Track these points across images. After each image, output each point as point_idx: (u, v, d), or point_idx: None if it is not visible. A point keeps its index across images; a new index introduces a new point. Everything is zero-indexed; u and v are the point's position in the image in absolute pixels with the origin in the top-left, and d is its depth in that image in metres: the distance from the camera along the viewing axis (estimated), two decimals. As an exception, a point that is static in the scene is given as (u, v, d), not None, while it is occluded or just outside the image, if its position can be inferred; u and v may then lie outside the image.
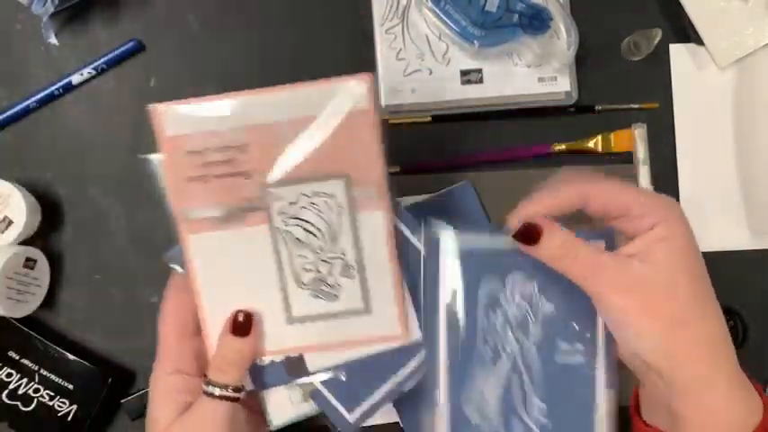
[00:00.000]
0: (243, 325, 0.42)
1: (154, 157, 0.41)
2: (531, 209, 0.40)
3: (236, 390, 0.42)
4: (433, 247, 0.42)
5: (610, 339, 0.41)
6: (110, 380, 0.55)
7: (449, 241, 0.42)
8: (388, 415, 0.57)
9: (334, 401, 0.43)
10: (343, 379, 0.43)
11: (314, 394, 0.43)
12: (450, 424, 0.42)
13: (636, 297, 0.37)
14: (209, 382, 0.41)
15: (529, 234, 0.39)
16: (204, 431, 0.41)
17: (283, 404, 0.44)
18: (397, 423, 0.56)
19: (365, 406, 0.43)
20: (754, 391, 0.39)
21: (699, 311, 0.37)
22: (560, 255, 0.39)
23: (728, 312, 0.59)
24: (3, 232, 0.54)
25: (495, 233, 0.41)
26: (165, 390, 0.43)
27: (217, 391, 0.41)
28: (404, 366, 0.43)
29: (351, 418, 0.43)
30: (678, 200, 0.59)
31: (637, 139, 0.58)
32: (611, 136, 0.59)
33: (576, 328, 0.41)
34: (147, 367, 0.58)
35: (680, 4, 0.59)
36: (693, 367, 0.37)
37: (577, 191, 0.40)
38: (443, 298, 0.42)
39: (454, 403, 0.42)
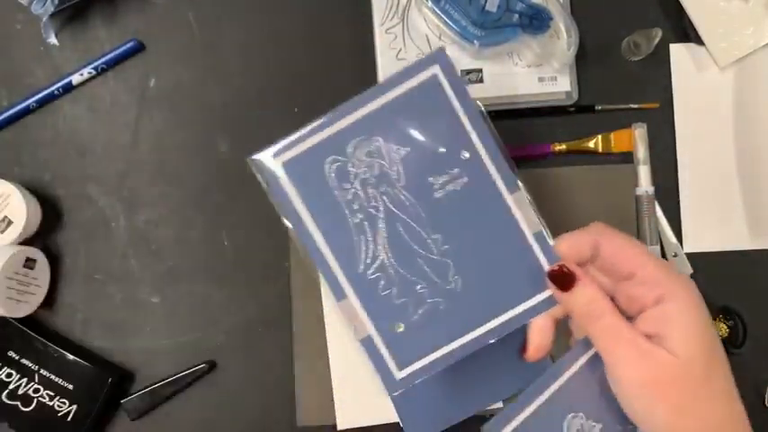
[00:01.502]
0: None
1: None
2: (560, 245, 0.39)
3: None
4: (271, 179, 0.41)
5: (490, 145, 0.40)
6: (109, 380, 0.55)
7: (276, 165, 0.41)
8: (388, 415, 0.57)
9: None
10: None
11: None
12: (363, 305, 0.41)
13: (647, 380, 0.36)
14: None
15: (564, 280, 0.38)
16: None
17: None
18: (397, 423, 0.56)
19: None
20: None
21: (709, 394, 0.37)
22: (586, 312, 0.38)
23: (728, 312, 0.59)
24: (3, 232, 0.54)
25: (316, 129, 0.41)
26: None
27: None
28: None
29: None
30: (678, 200, 0.59)
31: (637, 139, 0.58)
32: (611, 136, 0.59)
33: (445, 152, 0.40)
34: (146, 367, 0.58)
35: (680, 4, 0.59)
36: None
37: (591, 237, 0.39)
38: (304, 212, 0.41)
39: (356, 284, 0.41)
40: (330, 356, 0.57)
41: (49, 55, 0.59)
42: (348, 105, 0.41)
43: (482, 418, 0.57)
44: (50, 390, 0.55)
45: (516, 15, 0.56)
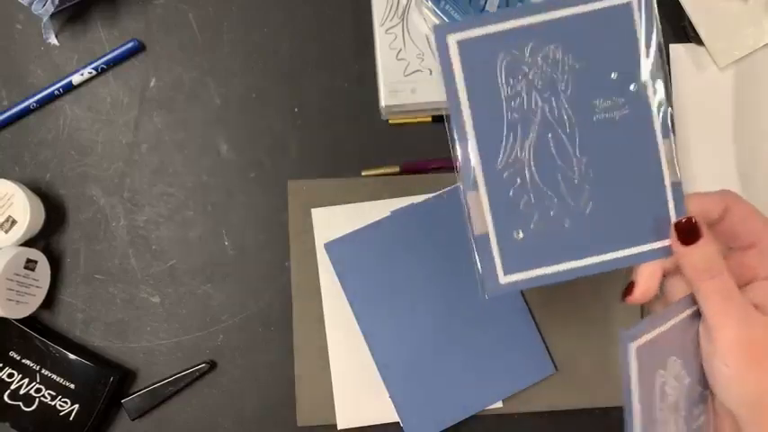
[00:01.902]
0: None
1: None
2: (691, 201, 0.40)
3: None
4: (443, 52, 0.40)
5: (659, 86, 0.40)
6: (111, 379, 0.56)
7: (454, 40, 0.40)
8: (388, 414, 0.57)
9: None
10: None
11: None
12: (490, 202, 0.40)
13: (749, 341, 0.36)
14: None
15: (689, 233, 0.38)
16: None
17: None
18: (397, 423, 0.57)
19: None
20: None
21: None
22: (702, 268, 0.38)
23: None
24: (7, 232, 0.55)
25: (502, 16, 0.40)
26: None
27: None
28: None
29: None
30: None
31: (636, 140, 0.58)
32: (611, 136, 0.59)
33: (615, 79, 0.40)
34: (147, 367, 0.58)
35: (680, 4, 0.59)
36: None
37: (723, 198, 0.39)
38: (463, 90, 0.40)
39: (489, 177, 0.40)
40: (330, 356, 0.57)
41: (49, 55, 0.60)
42: (539, 4, 0.40)
43: (482, 419, 0.57)
44: (52, 390, 0.55)
45: (516, 15, 0.55)
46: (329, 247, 0.58)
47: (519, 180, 0.40)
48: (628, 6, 0.40)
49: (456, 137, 0.40)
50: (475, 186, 0.40)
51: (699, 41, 0.59)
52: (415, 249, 0.58)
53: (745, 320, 0.37)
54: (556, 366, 0.57)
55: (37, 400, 0.55)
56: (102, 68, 0.59)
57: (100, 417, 0.56)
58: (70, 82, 0.59)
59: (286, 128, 0.60)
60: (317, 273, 0.58)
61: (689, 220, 0.39)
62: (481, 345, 0.57)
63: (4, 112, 0.58)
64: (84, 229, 0.59)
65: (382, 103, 0.58)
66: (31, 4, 0.56)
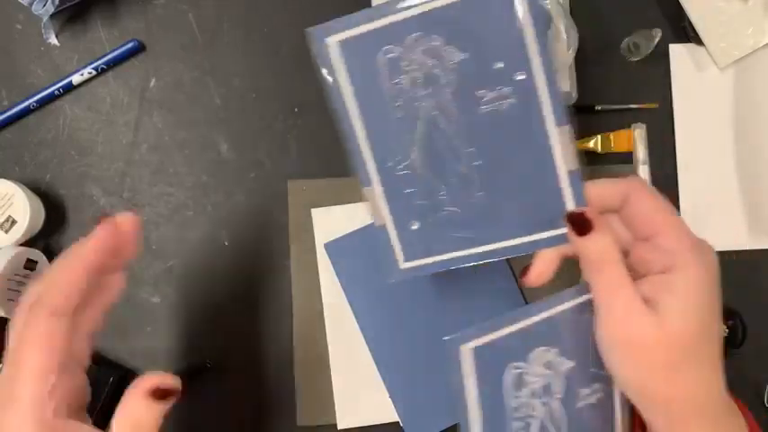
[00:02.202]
0: (165, 392, 0.38)
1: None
2: (590, 190, 0.39)
3: None
4: (324, 55, 0.40)
5: (549, 73, 0.38)
6: (111, 379, 0.55)
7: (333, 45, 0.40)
8: (388, 414, 0.57)
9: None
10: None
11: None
12: (386, 197, 0.41)
13: (629, 339, 0.37)
14: None
15: (582, 225, 0.38)
16: None
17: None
18: (398, 422, 0.57)
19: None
20: (740, 419, 0.39)
21: (687, 370, 0.37)
22: (593, 259, 0.38)
23: (728, 312, 0.59)
24: (7, 232, 0.55)
25: (380, 13, 0.39)
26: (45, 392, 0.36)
27: None
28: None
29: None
30: (678, 200, 0.59)
31: (636, 140, 0.58)
32: (611, 136, 0.59)
33: (502, 68, 0.38)
34: (147, 367, 0.58)
35: (680, 4, 0.59)
36: (667, 414, 0.37)
37: (622, 190, 0.39)
38: (349, 94, 0.40)
39: (383, 176, 0.41)
40: (330, 356, 0.57)
41: (49, 55, 0.60)
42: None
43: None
44: (51, 389, 0.55)
45: (516, 15, 0.55)
46: (329, 246, 0.58)
47: (411, 175, 0.41)
48: None
49: (347, 137, 0.41)
50: (369, 182, 0.41)
51: (699, 41, 0.59)
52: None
53: (630, 315, 0.36)
54: (556, 366, 0.57)
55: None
56: (102, 68, 0.59)
57: (100, 417, 0.56)
58: (70, 82, 0.59)
59: (286, 128, 0.60)
60: (317, 273, 0.58)
61: (581, 212, 0.38)
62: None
63: (4, 112, 0.58)
64: (85, 228, 0.59)
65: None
66: (31, 4, 0.56)
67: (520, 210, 0.41)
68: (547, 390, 0.41)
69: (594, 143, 0.59)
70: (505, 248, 0.41)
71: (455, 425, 0.57)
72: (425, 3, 0.38)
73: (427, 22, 0.38)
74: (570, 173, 0.39)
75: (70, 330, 0.37)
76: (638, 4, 0.61)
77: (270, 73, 0.60)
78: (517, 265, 0.58)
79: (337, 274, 0.57)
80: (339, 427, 0.57)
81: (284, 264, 0.58)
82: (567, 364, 0.41)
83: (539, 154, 0.39)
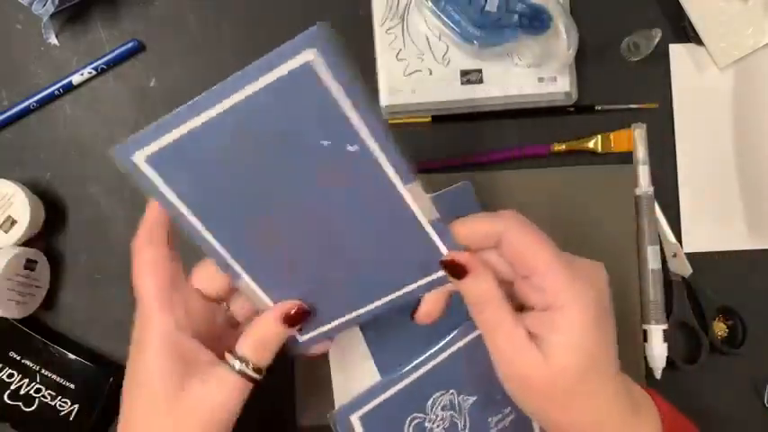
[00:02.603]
0: (295, 318, 0.40)
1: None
2: (459, 230, 0.39)
3: (260, 371, 0.40)
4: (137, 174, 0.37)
5: (380, 136, 0.35)
6: (111, 379, 0.55)
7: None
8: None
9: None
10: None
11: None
12: (259, 287, 0.40)
13: (518, 376, 0.38)
14: (240, 357, 0.39)
15: (456, 270, 0.39)
16: (220, 408, 0.38)
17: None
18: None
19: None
20: (647, 409, 0.40)
21: (581, 399, 0.37)
22: (473, 301, 0.39)
23: (728, 312, 0.59)
24: (7, 232, 0.55)
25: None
26: (170, 350, 0.38)
27: (245, 368, 0.39)
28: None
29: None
30: (678, 200, 0.60)
31: (636, 139, 0.58)
32: (611, 136, 0.59)
33: (329, 146, 0.35)
34: (147, 367, 0.58)
35: (680, 4, 0.59)
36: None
37: (494, 227, 0.38)
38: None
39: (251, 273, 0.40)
40: (331, 356, 0.57)
41: (49, 55, 0.59)
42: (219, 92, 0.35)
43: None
44: (52, 390, 0.55)
45: (516, 16, 0.56)
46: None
47: (274, 246, 0.39)
48: (306, 67, 0.34)
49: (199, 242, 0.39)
50: (238, 277, 0.40)
51: (699, 41, 0.59)
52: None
53: (515, 353, 0.37)
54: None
55: (37, 400, 0.55)
56: (102, 68, 0.59)
57: (100, 417, 0.56)
58: (70, 82, 0.58)
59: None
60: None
61: (451, 258, 0.38)
62: (482, 345, 0.57)
63: (4, 112, 0.58)
64: (85, 228, 0.59)
65: (382, 102, 0.58)
66: (31, 4, 0.56)
67: (399, 266, 0.41)
68: (453, 429, 0.44)
69: (594, 143, 0.59)
70: (395, 299, 0.42)
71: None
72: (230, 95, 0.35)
73: (238, 119, 0.35)
74: (432, 222, 0.38)
75: (169, 258, 0.40)
76: (638, 4, 0.61)
77: (270, 73, 0.60)
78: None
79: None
80: (339, 427, 0.57)
81: (284, 264, 0.58)
82: (470, 400, 0.44)
83: (397, 215, 0.38)
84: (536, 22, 0.55)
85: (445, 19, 0.56)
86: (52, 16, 0.57)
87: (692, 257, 0.59)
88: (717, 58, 0.59)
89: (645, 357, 0.56)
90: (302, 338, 0.44)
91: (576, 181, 0.59)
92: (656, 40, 0.57)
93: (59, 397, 0.55)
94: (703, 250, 0.60)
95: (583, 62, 0.59)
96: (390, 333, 0.57)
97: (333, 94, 0.33)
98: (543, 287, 0.37)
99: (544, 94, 0.58)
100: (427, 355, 0.42)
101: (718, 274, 0.59)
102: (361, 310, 0.42)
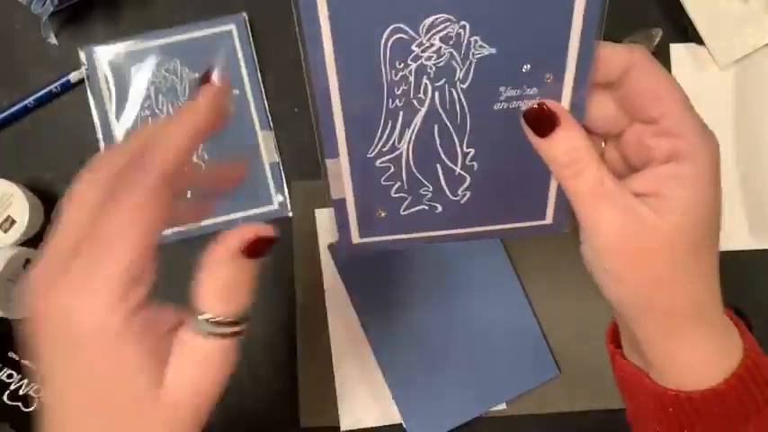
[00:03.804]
0: (257, 246, 0.32)
1: None
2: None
3: (236, 323, 0.32)
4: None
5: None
6: (110, 381, 0.55)
7: None
8: (391, 416, 0.57)
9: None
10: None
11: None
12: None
13: (629, 247, 0.32)
14: (205, 317, 0.30)
15: (543, 123, 0.33)
16: (205, 388, 0.31)
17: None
18: (400, 424, 0.56)
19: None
20: (734, 334, 0.35)
21: (692, 272, 0.32)
22: (564, 162, 0.32)
23: (731, 312, 0.59)
24: (6, 232, 0.54)
25: None
26: (139, 324, 0.28)
27: (215, 328, 0.31)
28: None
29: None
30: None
31: (638, 139, 0.58)
32: (612, 136, 0.59)
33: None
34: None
35: (680, 4, 0.59)
36: (664, 323, 0.33)
37: (624, 58, 0.32)
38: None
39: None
40: (333, 358, 0.57)
41: (48, 55, 0.59)
42: None
43: (484, 421, 0.57)
44: (51, 391, 0.55)
45: (518, 15, 0.55)
46: (333, 247, 0.57)
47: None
48: None
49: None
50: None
51: (699, 41, 0.59)
52: (419, 250, 0.57)
53: (624, 220, 0.31)
54: (559, 368, 0.57)
55: (37, 400, 0.55)
56: (103, 68, 0.59)
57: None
58: (69, 81, 0.58)
59: (287, 128, 0.60)
60: (321, 274, 0.58)
61: (539, 106, 0.33)
62: (484, 346, 0.57)
63: (4, 111, 0.58)
64: (84, 229, 0.59)
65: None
66: (30, 3, 0.56)
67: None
68: (445, 72, 0.33)
69: (596, 143, 0.59)
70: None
71: (458, 427, 0.57)
72: None
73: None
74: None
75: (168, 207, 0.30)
76: (638, 4, 0.61)
77: (271, 74, 0.60)
78: (522, 268, 0.58)
79: (341, 276, 0.57)
80: (342, 429, 0.57)
81: (287, 265, 0.58)
82: (485, 50, 0.33)
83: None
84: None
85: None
86: (52, 16, 0.57)
87: (694, 257, 0.59)
88: (717, 58, 0.59)
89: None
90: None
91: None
92: (657, 39, 0.57)
93: (59, 398, 0.55)
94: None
95: (584, 62, 0.59)
96: (393, 335, 0.57)
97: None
98: (674, 131, 0.31)
99: (545, 93, 0.58)
100: None
101: (720, 274, 0.59)
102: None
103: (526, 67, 0.33)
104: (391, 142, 0.36)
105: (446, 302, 0.57)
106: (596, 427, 0.58)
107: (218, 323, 0.31)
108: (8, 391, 0.55)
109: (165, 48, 0.57)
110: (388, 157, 0.36)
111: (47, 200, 0.58)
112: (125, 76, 0.57)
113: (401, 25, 0.32)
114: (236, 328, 0.32)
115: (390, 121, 0.35)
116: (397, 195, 0.37)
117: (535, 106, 0.33)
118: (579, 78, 0.33)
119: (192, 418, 0.30)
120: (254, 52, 0.58)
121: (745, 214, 0.60)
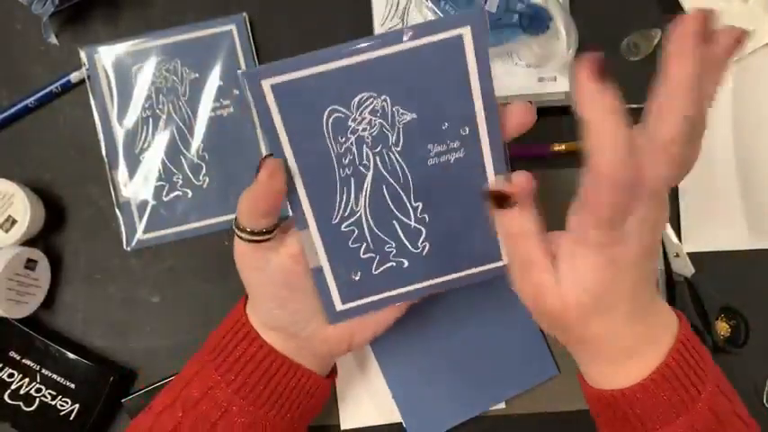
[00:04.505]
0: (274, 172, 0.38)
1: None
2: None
3: (261, 233, 0.40)
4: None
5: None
6: (111, 378, 0.55)
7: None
8: (391, 415, 0.57)
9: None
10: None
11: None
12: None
13: (547, 313, 0.39)
14: (241, 228, 0.41)
15: (500, 199, 0.39)
16: (265, 271, 0.42)
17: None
18: (400, 423, 0.56)
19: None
20: (665, 312, 0.41)
21: (603, 319, 0.39)
22: (509, 234, 0.39)
23: (730, 312, 0.59)
24: (7, 231, 0.55)
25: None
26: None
27: (247, 235, 0.41)
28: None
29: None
30: (678, 200, 0.60)
31: (637, 139, 0.58)
32: (612, 136, 0.58)
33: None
34: (147, 367, 0.58)
35: (680, 4, 0.59)
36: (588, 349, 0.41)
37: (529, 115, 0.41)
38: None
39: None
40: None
41: (49, 55, 0.59)
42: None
43: (484, 420, 0.57)
44: (52, 389, 0.55)
45: (516, 16, 0.56)
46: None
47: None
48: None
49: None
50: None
51: (699, 41, 0.59)
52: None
53: (537, 294, 0.39)
54: (558, 367, 0.57)
55: (37, 399, 0.55)
56: (103, 68, 0.59)
57: (100, 417, 0.56)
58: (69, 81, 0.58)
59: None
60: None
61: (498, 191, 0.39)
62: (484, 345, 0.57)
63: (4, 111, 0.58)
64: (84, 229, 0.59)
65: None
66: (31, 3, 0.56)
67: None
68: (380, 140, 0.39)
69: (595, 143, 0.59)
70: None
71: (457, 425, 0.57)
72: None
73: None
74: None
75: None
76: (638, 4, 0.61)
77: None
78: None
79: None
80: (342, 428, 0.57)
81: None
82: (407, 117, 0.39)
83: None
84: (536, 22, 0.56)
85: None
86: (52, 16, 0.57)
87: (693, 257, 0.59)
88: (717, 58, 0.59)
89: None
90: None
91: (576, 181, 0.58)
92: (657, 40, 0.57)
93: (60, 397, 0.55)
94: (704, 250, 0.59)
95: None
96: (394, 334, 0.57)
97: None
98: (554, 236, 0.40)
99: (544, 94, 0.58)
100: (360, 45, 0.37)
101: (719, 274, 0.59)
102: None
103: (445, 125, 0.39)
104: (350, 207, 0.41)
105: (446, 302, 0.57)
106: (594, 426, 0.58)
107: (247, 232, 0.41)
108: (9, 391, 0.55)
109: (165, 48, 0.58)
110: (349, 221, 0.41)
111: (46, 200, 0.58)
112: (126, 76, 0.57)
113: (336, 106, 0.38)
114: (261, 237, 0.41)
115: (345, 188, 0.40)
116: (366, 256, 0.42)
117: (495, 188, 0.39)
118: (491, 125, 0.39)
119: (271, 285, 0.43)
120: (254, 52, 0.58)
121: (745, 214, 0.60)
